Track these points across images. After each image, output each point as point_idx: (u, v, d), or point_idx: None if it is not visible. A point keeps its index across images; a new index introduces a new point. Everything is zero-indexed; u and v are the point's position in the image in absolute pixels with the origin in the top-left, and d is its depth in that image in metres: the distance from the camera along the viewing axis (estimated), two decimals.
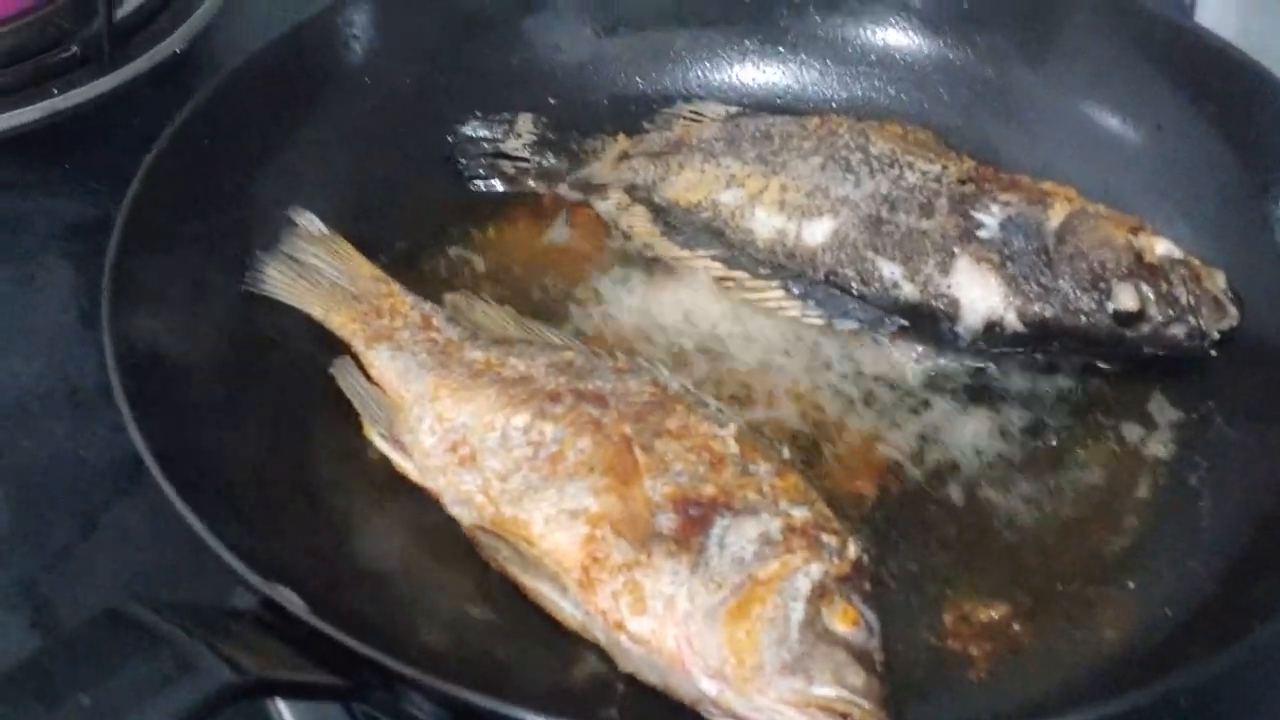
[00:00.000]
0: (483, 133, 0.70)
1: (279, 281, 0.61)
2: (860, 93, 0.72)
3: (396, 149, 0.68)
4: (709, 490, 0.52)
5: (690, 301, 0.65)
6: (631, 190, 0.68)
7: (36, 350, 0.73)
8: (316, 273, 0.62)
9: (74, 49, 0.84)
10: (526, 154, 0.70)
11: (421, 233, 0.67)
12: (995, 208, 0.62)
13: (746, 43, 0.73)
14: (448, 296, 0.63)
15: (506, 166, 0.70)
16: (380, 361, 0.59)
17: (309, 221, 0.63)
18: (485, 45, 0.70)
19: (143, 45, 0.86)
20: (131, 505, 0.64)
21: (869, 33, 0.72)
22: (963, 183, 0.64)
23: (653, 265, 0.67)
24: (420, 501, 0.56)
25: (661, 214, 0.68)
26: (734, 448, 0.54)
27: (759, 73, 0.73)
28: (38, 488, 0.66)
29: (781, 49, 0.73)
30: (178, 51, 0.86)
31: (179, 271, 0.59)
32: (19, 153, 0.81)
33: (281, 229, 0.63)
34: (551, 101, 0.71)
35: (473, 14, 0.69)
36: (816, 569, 0.49)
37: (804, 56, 0.73)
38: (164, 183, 0.60)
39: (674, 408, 0.56)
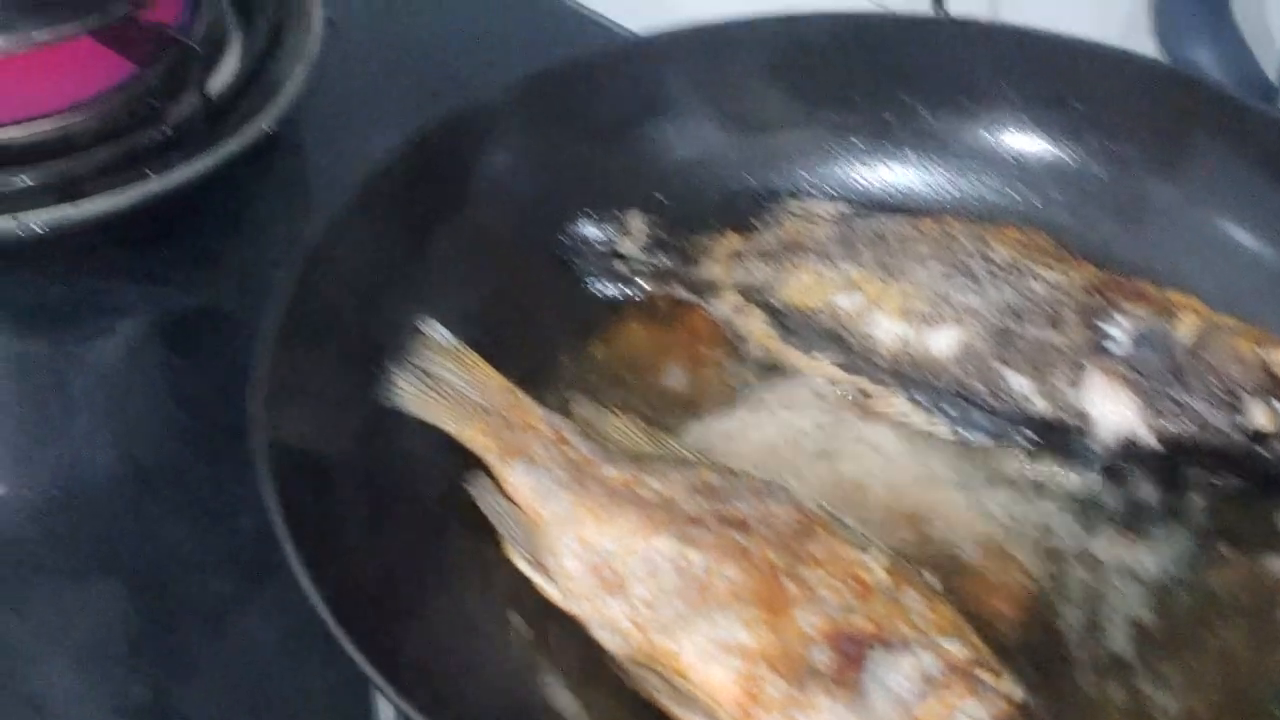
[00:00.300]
0: (594, 232, 0.70)
1: (409, 394, 0.61)
2: (970, 190, 0.72)
3: (513, 252, 0.68)
4: (862, 623, 0.52)
5: (812, 410, 0.65)
6: (746, 291, 0.69)
7: (141, 444, 0.73)
8: (447, 385, 0.62)
9: (165, 129, 0.84)
10: (639, 253, 0.70)
11: (540, 338, 0.67)
12: (1123, 319, 0.62)
13: (854, 140, 0.73)
14: (575, 408, 0.63)
15: (619, 267, 0.70)
16: (515, 478, 0.59)
17: (436, 332, 0.63)
18: (604, 146, 0.70)
19: (233, 125, 0.86)
20: (257, 612, 0.64)
21: (978, 131, 0.72)
22: (1087, 292, 0.64)
23: (771, 370, 0.67)
24: (564, 624, 0.57)
25: (778, 316, 0.68)
26: (882, 576, 0.54)
27: (867, 169, 0.73)
28: (160, 590, 0.66)
29: (889, 145, 0.73)
30: (268, 131, 0.87)
31: (316, 380, 0.59)
32: (114, 237, 0.81)
33: (409, 340, 0.63)
34: (661, 199, 0.71)
35: (598, 117, 0.69)
36: (978, 709, 0.49)
37: (911, 153, 0.73)
38: (307, 291, 0.60)
39: (816, 531, 0.56)
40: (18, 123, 0.83)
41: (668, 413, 0.66)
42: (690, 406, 0.66)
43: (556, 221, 0.70)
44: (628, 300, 0.70)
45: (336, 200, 0.63)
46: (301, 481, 0.55)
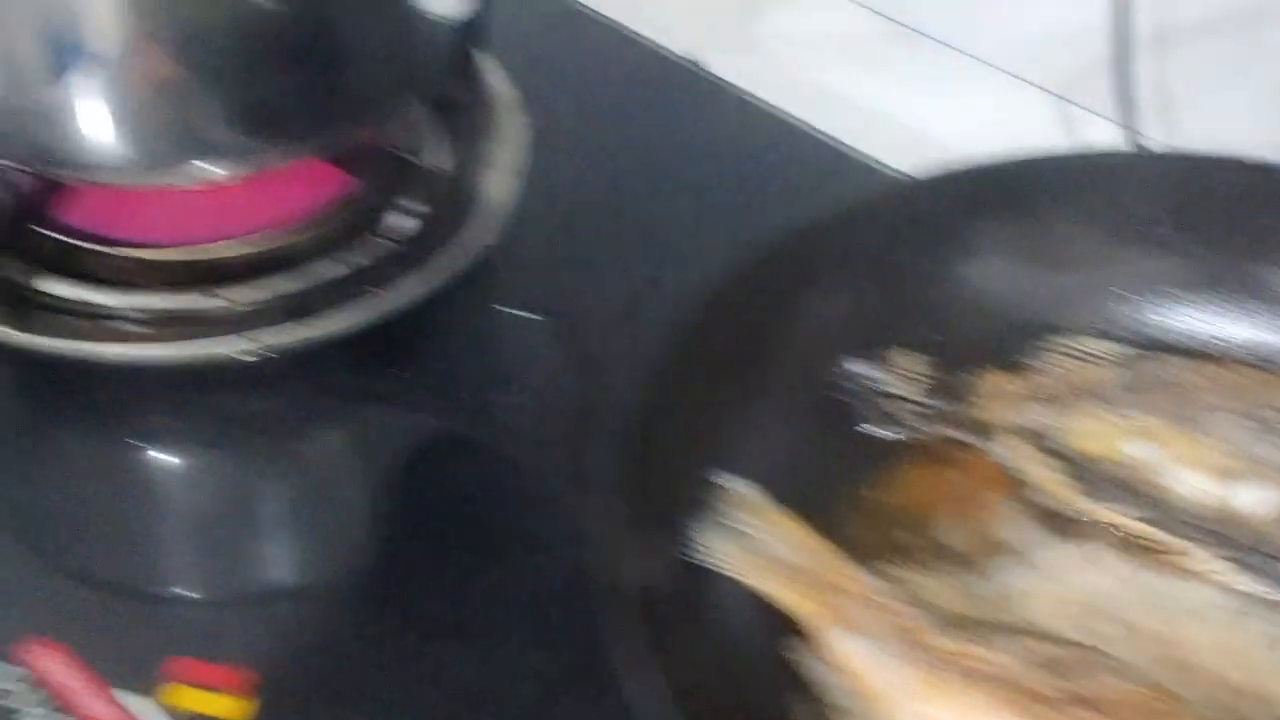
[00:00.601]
0: (865, 371, 0.69)
1: (719, 553, 0.60)
2: (1253, 335, 0.71)
3: (788, 395, 0.67)
4: None
5: (1112, 566, 0.64)
6: (1026, 434, 0.68)
7: (388, 570, 0.72)
8: (757, 544, 0.61)
9: (393, 244, 0.84)
10: (913, 393, 0.69)
11: (818, 485, 0.66)
12: None
13: (1129, 277, 0.72)
14: (884, 567, 0.62)
15: (891, 407, 0.69)
16: (838, 645, 0.58)
17: (742, 488, 0.62)
18: (879, 284, 0.69)
19: (451, 239, 0.86)
20: None
21: (1259, 272, 0.71)
22: None
23: (1062, 520, 0.66)
24: None
25: (1063, 462, 0.66)
26: None
27: (1142, 308, 0.72)
28: None
29: (1165, 285, 0.72)
30: (488, 245, 0.86)
31: (648, 529, 0.59)
32: (345, 356, 0.80)
33: (715, 496, 0.62)
34: (935, 337, 0.70)
35: (878, 256, 0.69)
36: None
37: (1187, 294, 0.72)
38: (641, 442, 0.59)
39: (1161, 712, 0.55)
40: (240, 239, 0.82)
41: (953, 564, 0.64)
42: (976, 558, 0.65)
43: (828, 362, 0.69)
44: (904, 443, 0.69)
45: (654, 349, 0.62)
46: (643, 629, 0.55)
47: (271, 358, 0.78)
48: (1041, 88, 1.02)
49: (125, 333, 0.79)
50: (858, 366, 0.69)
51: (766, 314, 0.66)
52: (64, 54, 0.70)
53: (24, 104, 0.72)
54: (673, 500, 0.60)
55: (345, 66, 0.77)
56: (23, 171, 0.75)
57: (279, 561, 0.74)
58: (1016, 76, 1.03)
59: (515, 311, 0.85)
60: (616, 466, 0.57)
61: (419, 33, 0.81)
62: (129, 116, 0.73)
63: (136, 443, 0.78)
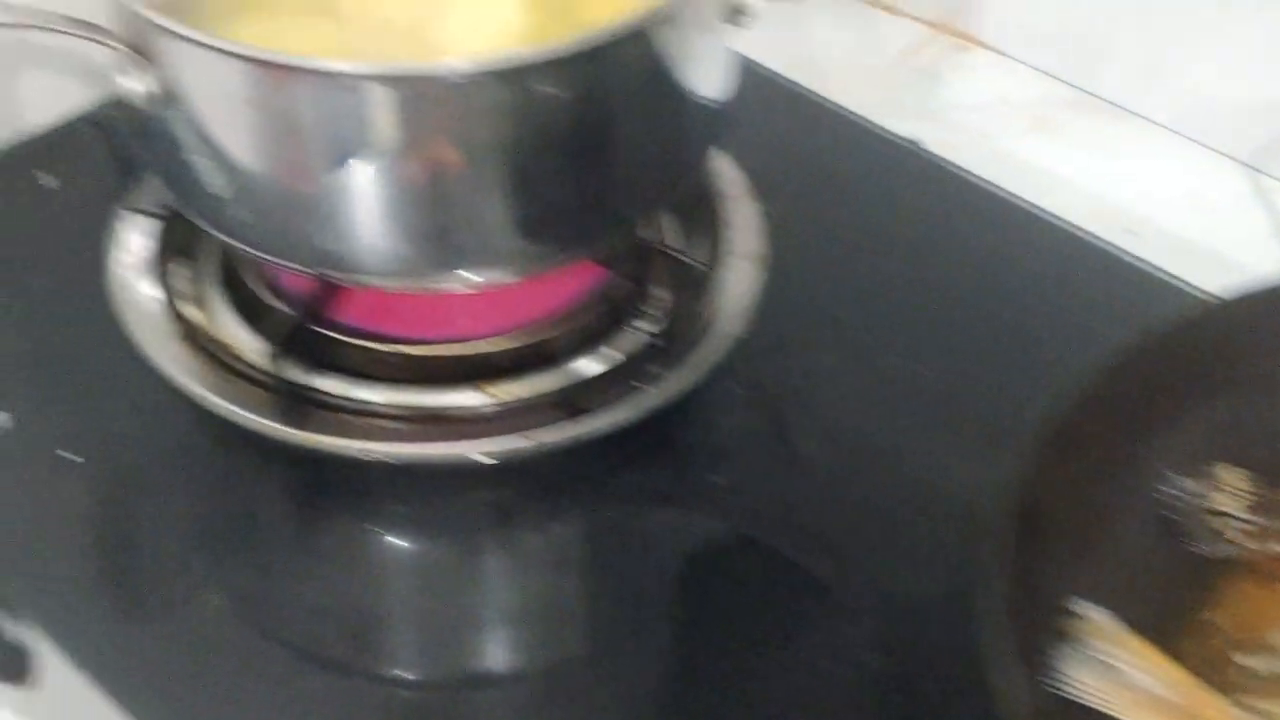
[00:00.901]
0: (1189, 487, 0.68)
1: (1081, 684, 0.59)
2: None
3: (1130, 518, 0.66)
4: None
5: None
6: None
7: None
8: (1120, 676, 0.59)
9: (642, 335, 0.83)
10: (1236, 510, 0.68)
11: (1162, 609, 0.64)
12: None
13: None
14: (1238, 695, 0.61)
15: (1218, 525, 0.68)
16: None
17: (1101, 617, 0.61)
18: (1202, 399, 0.68)
19: (699, 328, 0.85)
20: None
21: None
22: None
23: None
24: None
25: None
26: None
27: None
28: None
29: None
30: (740, 337, 0.85)
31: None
32: (602, 450, 0.79)
33: (1070, 624, 0.61)
34: (1256, 452, 0.69)
35: (1234, 380, 0.67)
36: None
37: None
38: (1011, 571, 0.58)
39: None
40: (504, 334, 0.82)
41: None
42: None
43: (1158, 481, 0.67)
44: (1234, 561, 0.67)
45: (1009, 462, 0.61)
46: None
47: (539, 454, 0.77)
48: (1231, 157, 1.01)
49: (392, 430, 0.78)
50: (1184, 484, 0.68)
51: (1109, 436, 0.65)
52: (346, 162, 0.70)
53: (306, 210, 0.72)
54: (1045, 627, 0.59)
55: (619, 167, 0.76)
56: (305, 274, 0.75)
57: (557, 657, 0.73)
58: (1206, 145, 1.02)
59: (757, 395, 0.84)
60: (999, 592, 0.56)
61: (682, 126, 0.80)
62: (407, 223, 0.72)
63: (404, 539, 0.77)
